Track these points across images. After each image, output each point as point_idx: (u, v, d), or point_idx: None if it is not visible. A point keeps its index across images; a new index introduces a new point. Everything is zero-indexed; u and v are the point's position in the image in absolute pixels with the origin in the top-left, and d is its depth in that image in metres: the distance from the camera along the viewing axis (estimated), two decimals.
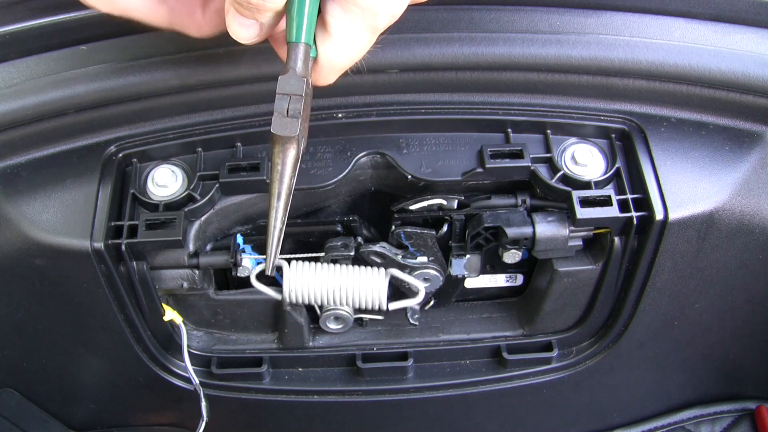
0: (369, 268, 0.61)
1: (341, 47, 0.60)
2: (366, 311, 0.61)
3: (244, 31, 0.61)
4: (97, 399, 1.23)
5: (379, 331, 1.12)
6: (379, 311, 1.00)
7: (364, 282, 0.59)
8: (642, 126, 0.92)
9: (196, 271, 0.99)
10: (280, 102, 0.58)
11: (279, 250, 0.60)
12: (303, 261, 0.60)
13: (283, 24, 0.60)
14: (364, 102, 0.92)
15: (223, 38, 0.90)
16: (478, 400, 1.14)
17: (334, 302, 0.59)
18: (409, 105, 0.92)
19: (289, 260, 0.60)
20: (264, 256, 1.01)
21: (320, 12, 0.59)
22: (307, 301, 0.59)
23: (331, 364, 1.12)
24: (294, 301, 0.60)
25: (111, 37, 0.90)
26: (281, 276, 0.61)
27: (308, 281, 0.59)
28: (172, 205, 0.90)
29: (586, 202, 0.89)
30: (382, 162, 0.93)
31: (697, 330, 1.11)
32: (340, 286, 0.59)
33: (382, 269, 0.61)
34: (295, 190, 0.89)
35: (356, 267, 0.61)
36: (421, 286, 0.63)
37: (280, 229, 0.60)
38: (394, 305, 0.60)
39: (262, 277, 0.60)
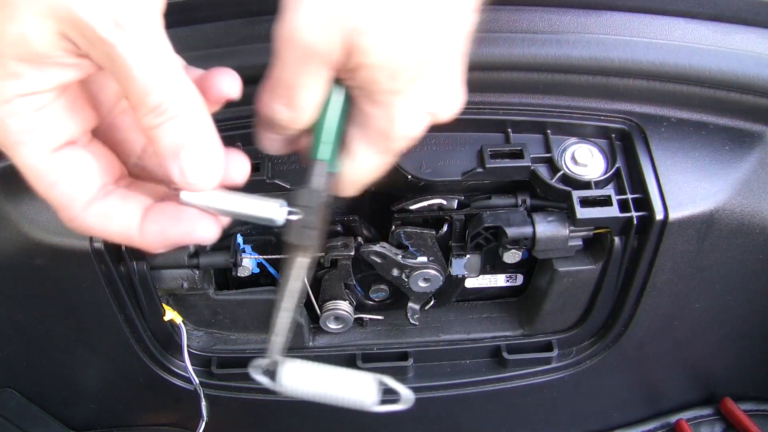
0: (360, 374, 0.64)
1: (361, 166, 0.63)
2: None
3: (270, 145, 0.64)
4: (97, 399, 1.23)
5: (379, 330, 1.12)
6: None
7: (352, 390, 0.63)
8: (642, 126, 0.92)
9: (196, 271, 0.99)
10: (297, 213, 0.61)
11: (281, 349, 0.64)
12: (299, 361, 0.64)
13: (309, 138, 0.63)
14: None
15: (223, 38, 0.90)
16: (478, 400, 1.14)
17: (324, 402, 0.63)
18: None
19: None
20: (261, 257, 1.01)
21: (343, 131, 0.62)
22: (300, 398, 0.63)
23: (331, 364, 1.12)
24: (290, 395, 0.64)
25: None
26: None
27: (301, 383, 0.63)
28: None
29: (586, 202, 0.89)
30: None
31: (697, 330, 1.11)
32: (329, 391, 0.63)
33: (373, 377, 0.64)
34: (295, 190, 0.89)
35: (348, 372, 0.64)
36: (411, 395, 0.66)
37: (285, 329, 0.63)
38: (382, 409, 0.64)
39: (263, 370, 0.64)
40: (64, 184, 0.55)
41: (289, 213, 0.60)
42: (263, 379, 0.65)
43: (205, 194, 0.57)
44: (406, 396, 0.66)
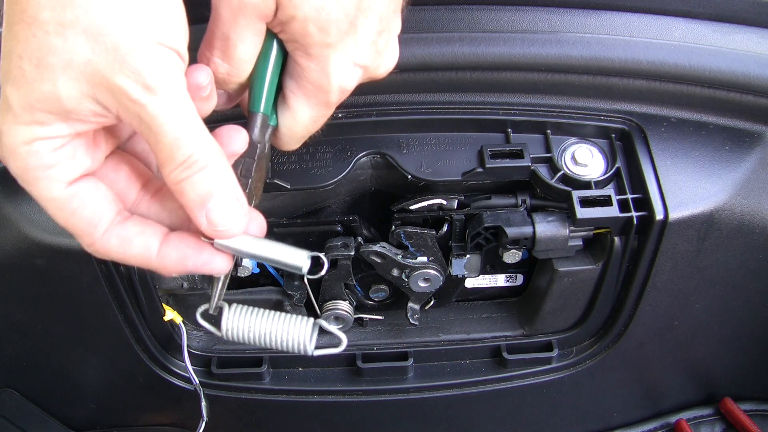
0: (299, 318, 0.66)
1: (298, 119, 0.66)
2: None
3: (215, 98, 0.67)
4: (97, 399, 1.23)
5: (379, 331, 1.12)
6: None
7: (291, 331, 0.66)
8: (642, 126, 0.92)
9: None
10: (236, 163, 0.64)
11: (223, 294, 0.66)
12: (242, 306, 0.66)
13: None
14: (364, 102, 0.92)
15: None
16: (478, 400, 1.14)
17: (265, 345, 0.66)
18: (409, 105, 0.92)
19: (230, 303, 0.66)
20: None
21: (281, 86, 0.65)
22: (243, 341, 0.66)
23: (331, 364, 1.12)
24: (232, 339, 0.66)
25: None
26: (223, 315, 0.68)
27: (243, 325, 0.66)
28: None
29: (586, 202, 0.89)
30: (382, 162, 0.93)
31: (697, 330, 1.11)
32: (269, 333, 0.66)
33: (311, 320, 0.66)
34: (295, 190, 0.90)
35: (287, 316, 0.66)
36: (344, 338, 0.69)
37: (225, 276, 0.66)
38: (319, 352, 0.67)
39: (207, 314, 0.67)
40: (82, 212, 0.58)
41: (313, 263, 0.63)
42: (207, 325, 0.67)
43: (239, 240, 0.60)
44: (342, 339, 0.69)
